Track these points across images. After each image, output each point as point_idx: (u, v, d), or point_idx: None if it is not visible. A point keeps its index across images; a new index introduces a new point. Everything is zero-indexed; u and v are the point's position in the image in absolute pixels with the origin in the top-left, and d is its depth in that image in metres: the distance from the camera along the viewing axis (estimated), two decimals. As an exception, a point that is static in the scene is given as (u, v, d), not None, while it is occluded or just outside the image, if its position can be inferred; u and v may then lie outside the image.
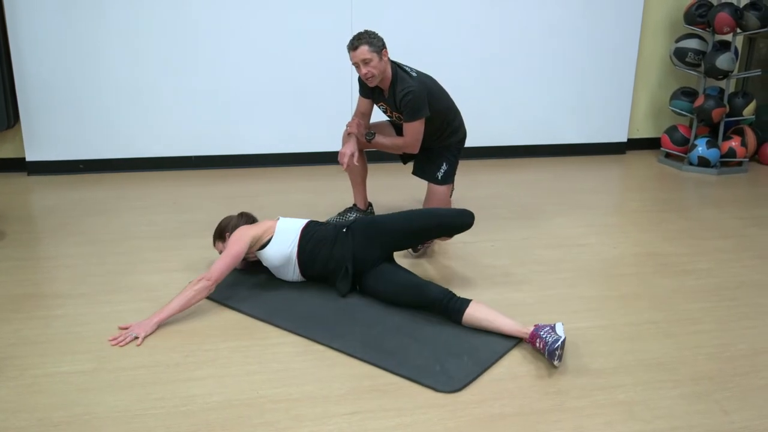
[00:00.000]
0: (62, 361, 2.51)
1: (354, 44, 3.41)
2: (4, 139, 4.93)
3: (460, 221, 3.08)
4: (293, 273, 3.08)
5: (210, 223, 3.27)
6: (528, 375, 2.47)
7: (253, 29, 4.92)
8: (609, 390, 2.39)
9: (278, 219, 3.13)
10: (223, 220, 3.21)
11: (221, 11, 4.85)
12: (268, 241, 3.02)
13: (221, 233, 3.16)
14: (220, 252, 3.19)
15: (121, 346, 2.61)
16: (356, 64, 3.45)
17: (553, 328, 2.57)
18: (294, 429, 2.16)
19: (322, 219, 3.95)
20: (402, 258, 3.47)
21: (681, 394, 2.38)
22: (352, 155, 3.61)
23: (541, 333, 2.56)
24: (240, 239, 2.95)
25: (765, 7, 5.07)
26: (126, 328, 2.71)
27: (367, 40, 3.40)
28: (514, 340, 2.66)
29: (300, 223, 3.10)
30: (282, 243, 3.03)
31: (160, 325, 2.74)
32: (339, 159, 3.63)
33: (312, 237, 3.04)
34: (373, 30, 3.47)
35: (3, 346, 2.61)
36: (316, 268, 3.04)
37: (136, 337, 2.65)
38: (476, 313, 2.72)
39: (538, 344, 2.56)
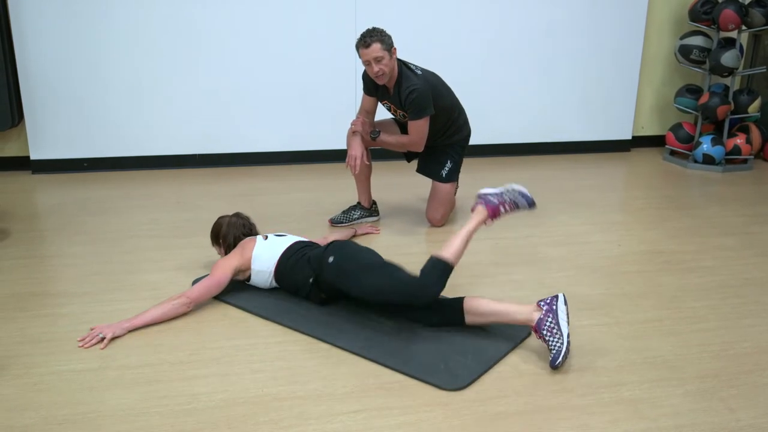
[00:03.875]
0: (67, 360, 2.51)
1: (366, 42, 3.38)
2: (9, 138, 4.94)
3: (411, 300, 2.68)
4: None
5: (213, 221, 3.27)
6: (532, 373, 2.47)
7: (257, 27, 4.92)
8: (614, 388, 2.39)
9: (255, 244, 3.01)
10: (216, 221, 3.18)
11: (225, 9, 4.84)
12: (249, 277, 3.01)
13: (216, 236, 3.15)
14: (219, 254, 3.18)
15: (86, 347, 2.59)
16: (368, 62, 3.43)
17: (555, 315, 2.48)
18: (299, 427, 2.16)
19: (326, 217, 3.96)
20: (399, 255, 3.47)
21: (686, 392, 2.37)
22: (362, 157, 3.61)
23: (543, 330, 2.49)
24: (224, 269, 2.92)
25: (770, 3, 5.06)
26: (95, 329, 2.68)
27: (378, 38, 3.38)
28: (519, 338, 2.66)
29: (272, 260, 2.96)
30: (261, 282, 3.01)
31: (133, 330, 2.72)
32: (348, 162, 3.62)
33: (286, 280, 2.95)
34: (380, 27, 3.46)
35: (8, 345, 2.62)
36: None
37: (103, 338, 2.63)
38: (474, 319, 2.65)
39: (540, 339, 2.53)
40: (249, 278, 3.01)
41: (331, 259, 2.80)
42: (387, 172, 4.76)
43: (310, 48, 5.02)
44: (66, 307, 2.92)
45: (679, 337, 2.74)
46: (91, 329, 2.70)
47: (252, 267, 2.97)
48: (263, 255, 2.97)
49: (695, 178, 5.07)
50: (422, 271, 2.63)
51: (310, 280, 2.87)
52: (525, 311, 2.57)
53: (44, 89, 4.77)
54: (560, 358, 2.43)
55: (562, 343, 2.44)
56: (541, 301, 2.56)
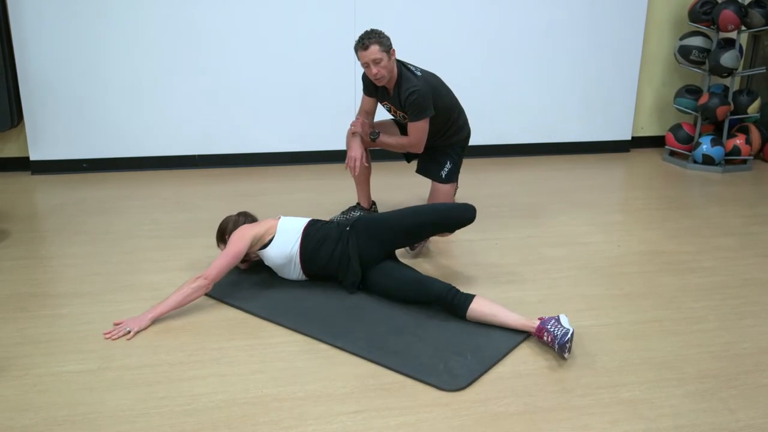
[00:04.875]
0: (67, 360, 2.51)
1: (365, 44, 3.38)
2: (8, 138, 4.94)
3: (461, 215, 3.10)
4: (296, 272, 3.08)
5: (213, 222, 3.27)
6: (532, 373, 2.47)
7: (257, 28, 4.92)
8: (613, 388, 2.39)
9: (279, 218, 3.13)
10: (222, 221, 3.20)
11: (225, 10, 4.84)
12: (270, 241, 3.02)
13: (222, 234, 3.17)
14: None
15: (114, 339, 2.64)
16: (366, 64, 3.42)
17: (558, 320, 2.61)
18: (298, 428, 2.16)
19: (326, 217, 3.95)
20: (403, 258, 3.47)
21: (686, 392, 2.37)
22: (361, 159, 3.61)
23: (548, 326, 2.59)
24: (241, 238, 2.94)
25: (769, 4, 5.06)
26: (120, 323, 2.73)
27: (377, 40, 3.37)
28: (518, 339, 2.66)
29: (302, 222, 3.10)
30: (284, 242, 3.02)
31: (156, 321, 2.76)
32: (348, 163, 3.62)
33: (314, 236, 3.04)
34: (378, 29, 3.45)
35: (8, 345, 2.62)
36: (318, 267, 3.04)
37: (129, 331, 2.68)
38: (481, 308, 2.74)
39: (545, 338, 2.59)
40: (268, 243, 3.01)
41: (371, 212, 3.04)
42: (387, 173, 4.76)
43: (310, 48, 5.02)
44: (66, 307, 2.92)
45: (679, 337, 2.74)
46: (115, 324, 2.73)
47: (279, 228, 3.04)
48: (292, 221, 3.10)
49: (695, 178, 5.07)
50: (454, 204, 3.22)
51: (347, 228, 3.01)
52: (526, 320, 2.70)
53: (44, 90, 4.77)
54: (568, 337, 2.51)
55: (568, 331, 2.54)
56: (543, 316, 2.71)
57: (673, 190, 4.77)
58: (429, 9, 5.10)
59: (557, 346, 2.53)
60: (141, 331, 2.70)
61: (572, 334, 2.52)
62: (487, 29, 5.23)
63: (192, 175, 4.96)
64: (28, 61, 4.71)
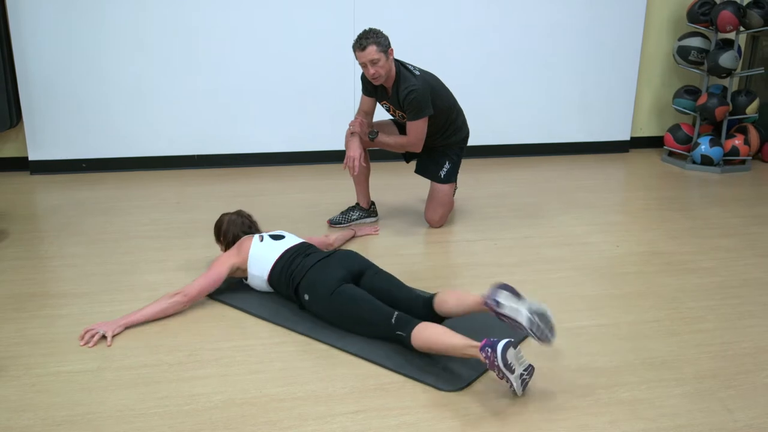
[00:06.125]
0: (66, 361, 2.51)
1: (362, 44, 3.38)
2: (7, 138, 4.94)
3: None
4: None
5: (212, 222, 3.27)
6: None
7: (255, 28, 4.92)
8: (612, 389, 2.39)
9: (251, 245, 2.98)
10: (218, 219, 3.21)
11: (224, 10, 4.84)
12: (246, 277, 3.01)
13: (218, 233, 3.18)
14: (221, 251, 3.19)
15: (90, 346, 2.59)
16: (364, 65, 3.43)
17: (499, 361, 2.19)
18: (297, 428, 2.16)
19: (325, 217, 3.96)
20: (397, 256, 3.47)
21: (685, 392, 2.37)
22: (360, 158, 3.61)
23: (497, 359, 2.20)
24: (221, 265, 2.92)
25: (768, 4, 5.06)
26: (91, 328, 2.66)
27: (374, 40, 3.37)
28: (517, 339, 2.65)
29: (266, 268, 2.91)
30: (257, 286, 3.01)
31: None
32: (346, 163, 3.62)
33: (277, 290, 2.94)
34: (377, 28, 3.45)
35: (7, 345, 2.61)
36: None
37: (105, 337, 2.63)
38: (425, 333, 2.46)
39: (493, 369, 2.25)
40: (247, 278, 3.02)
41: (306, 297, 2.76)
42: (386, 173, 4.76)
43: (309, 48, 5.02)
44: (65, 308, 2.92)
45: (678, 337, 2.74)
46: (86, 330, 2.67)
47: (248, 270, 2.97)
48: (258, 260, 2.94)
49: (694, 179, 5.08)
50: (402, 321, 2.51)
51: (295, 293, 2.83)
52: (469, 345, 2.32)
53: (43, 90, 4.77)
54: (519, 381, 2.27)
55: (510, 380, 2.26)
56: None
57: (672, 190, 4.77)
58: (428, 8, 5.10)
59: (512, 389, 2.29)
60: (115, 336, 2.65)
61: (524, 381, 2.27)
62: (486, 30, 5.23)
63: (191, 175, 4.96)
64: (28, 60, 4.70)
